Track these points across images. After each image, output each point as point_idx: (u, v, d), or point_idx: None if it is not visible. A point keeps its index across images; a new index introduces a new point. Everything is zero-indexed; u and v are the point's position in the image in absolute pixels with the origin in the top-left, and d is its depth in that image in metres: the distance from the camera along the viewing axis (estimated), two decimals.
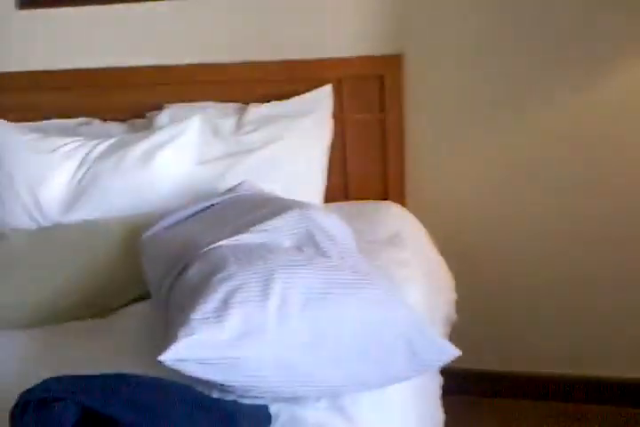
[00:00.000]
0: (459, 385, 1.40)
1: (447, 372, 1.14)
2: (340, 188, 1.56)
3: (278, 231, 1.05)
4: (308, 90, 1.55)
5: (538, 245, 1.63)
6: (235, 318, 0.83)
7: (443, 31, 1.54)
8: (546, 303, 1.67)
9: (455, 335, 1.27)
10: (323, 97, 1.54)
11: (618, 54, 1.47)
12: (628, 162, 1.55)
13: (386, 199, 1.55)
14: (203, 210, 1.22)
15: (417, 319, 0.93)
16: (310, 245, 1.02)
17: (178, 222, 1.20)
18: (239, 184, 1.29)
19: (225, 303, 0.85)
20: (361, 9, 1.56)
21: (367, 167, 1.57)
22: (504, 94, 1.56)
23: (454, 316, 1.35)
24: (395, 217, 1.45)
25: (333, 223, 1.11)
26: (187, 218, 1.21)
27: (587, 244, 1.61)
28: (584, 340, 1.67)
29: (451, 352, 0.92)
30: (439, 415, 1.10)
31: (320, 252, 1.00)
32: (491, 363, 1.70)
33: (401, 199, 1.56)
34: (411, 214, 1.50)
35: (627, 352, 1.65)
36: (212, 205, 1.23)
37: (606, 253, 1.61)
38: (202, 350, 0.81)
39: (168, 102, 1.61)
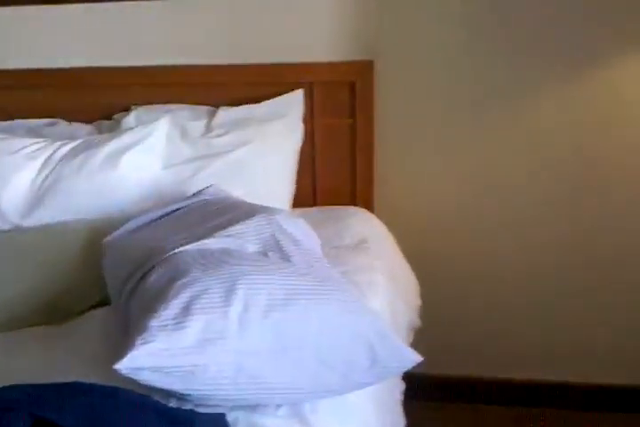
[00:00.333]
0: (421, 390, 1.41)
1: (409, 377, 1.15)
2: (309, 193, 1.56)
3: (243, 236, 1.04)
4: (279, 94, 1.55)
5: (502, 251, 1.65)
6: (195, 324, 0.82)
7: (414, 37, 1.55)
8: (509, 310, 1.69)
9: (418, 341, 1.28)
10: (294, 101, 1.54)
11: (593, 55, 1.49)
12: (596, 169, 1.57)
13: (354, 205, 1.55)
14: (168, 214, 1.20)
15: (379, 326, 0.93)
16: (275, 251, 1.01)
17: (142, 226, 1.18)
18: (206, 188, 1.28)
19: (186, 310, 0.84)
20: (333, 15, 1.56)
21: (336, 173, 1.57)
22: (475, 100, 1.57)
23: (418, 321, 1.35)
24: (362, 223, 1.45)
25: (299, 229, 1.11)
26: (151, 222, 1.19)
27: (550, 250, 1.64)
28: (545, 344, 1.69)
29: (412, 358, 0.93)
30: (400, 421, 1.10)
31: (285, 257, 1.00)
32: (453, 368, 1.71)
33: (369, 205, 1.56)
34: (378, 220, 1.50)
35: (590, 357, 1.68)
36: (178, 209, 1.21)
37: (568, 259, 1.64)
38: (159, 357, 0.79)
39: (137, 104, 1.59)
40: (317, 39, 1.59)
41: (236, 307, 0.85)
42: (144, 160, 1.40)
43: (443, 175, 1.63)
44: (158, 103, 1.58)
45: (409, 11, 1.54)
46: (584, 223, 1.61)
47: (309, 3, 1.57)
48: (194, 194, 1.28)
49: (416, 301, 1.39)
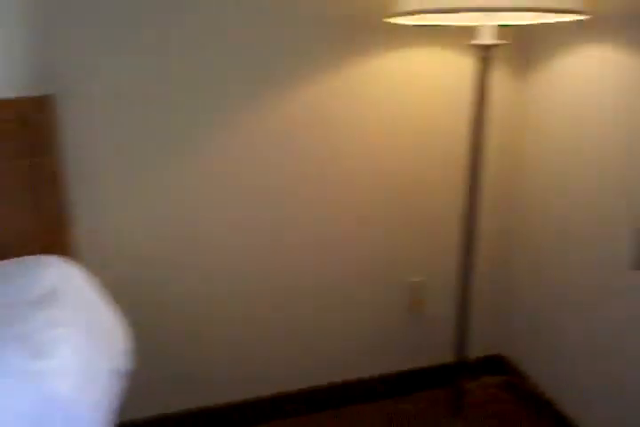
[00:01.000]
0: None
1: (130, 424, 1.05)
2: None
3: None
4: None
5: (206, 287, 1.68)
6: None
7: (93, 73, 1.48)
8: (211, 340, 1.72)
9: (138, 382, 1.20)
10: None
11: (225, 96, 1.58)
12: (269, 180, 1.68)
13: (50, 253, 1.39)
14: None
15: (49, 395, 0.83)
16: None
17: None
18: None
19: None
20: (5, 50, 1.42)
21: (23, 220, 1.40)
22: (161, 137, 1.55)
23: (128, 365, 1.26)
24: (55, 272, 1.30)
25: None
26: None
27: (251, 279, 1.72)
28: (246, 366, 1.77)
29: (87, 419, 0.84)
30: None
31: None
32: (172, 406, 1.65)
33: (67, 252, 1.42)
34: (76, 268, 1.36)
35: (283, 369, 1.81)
36: None
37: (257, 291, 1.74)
38: None
39: None
40: None
41: None
42: None
43: (143, 216, 1.58)
44: None
45: (87, 47, 1.46)
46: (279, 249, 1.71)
47: None
48: None
49: (124, 345, 1.29)
